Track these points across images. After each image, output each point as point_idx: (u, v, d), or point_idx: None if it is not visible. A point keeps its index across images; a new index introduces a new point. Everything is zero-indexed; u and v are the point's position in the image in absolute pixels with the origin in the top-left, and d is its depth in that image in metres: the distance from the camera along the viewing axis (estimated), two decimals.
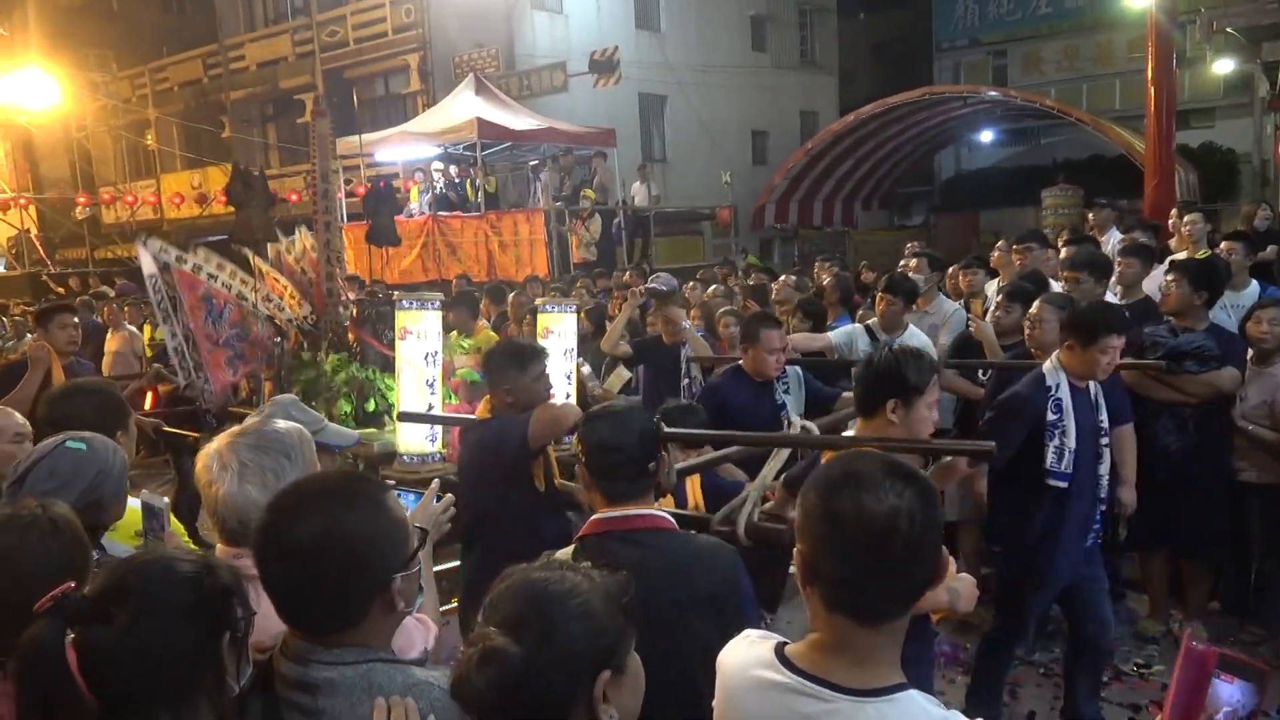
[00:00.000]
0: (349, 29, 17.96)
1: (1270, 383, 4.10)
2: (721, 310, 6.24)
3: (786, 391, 4.25)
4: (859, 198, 22.50)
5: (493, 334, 6.83)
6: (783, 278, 7.02)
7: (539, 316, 4.45)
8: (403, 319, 3.94)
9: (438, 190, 13.68)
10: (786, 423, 3.82)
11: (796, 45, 23.75)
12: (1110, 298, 5.06)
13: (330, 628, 1.36)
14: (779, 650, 1.33)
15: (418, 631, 1.75)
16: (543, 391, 3.14)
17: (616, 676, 1.23)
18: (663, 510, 2.06)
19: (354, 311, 4.76)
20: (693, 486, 3.15)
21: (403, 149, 14.24)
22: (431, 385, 4.06)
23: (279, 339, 4.92)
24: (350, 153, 15.18)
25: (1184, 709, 1.19)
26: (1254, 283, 5.37)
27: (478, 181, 13.45)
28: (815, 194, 21.06)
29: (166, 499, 2.22)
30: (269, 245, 5.38)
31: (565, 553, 2.01)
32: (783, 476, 2.73)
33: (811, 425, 2.90)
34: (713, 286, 7.38)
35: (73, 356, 5.13)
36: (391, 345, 4.39)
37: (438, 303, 4.04)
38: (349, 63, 18.20)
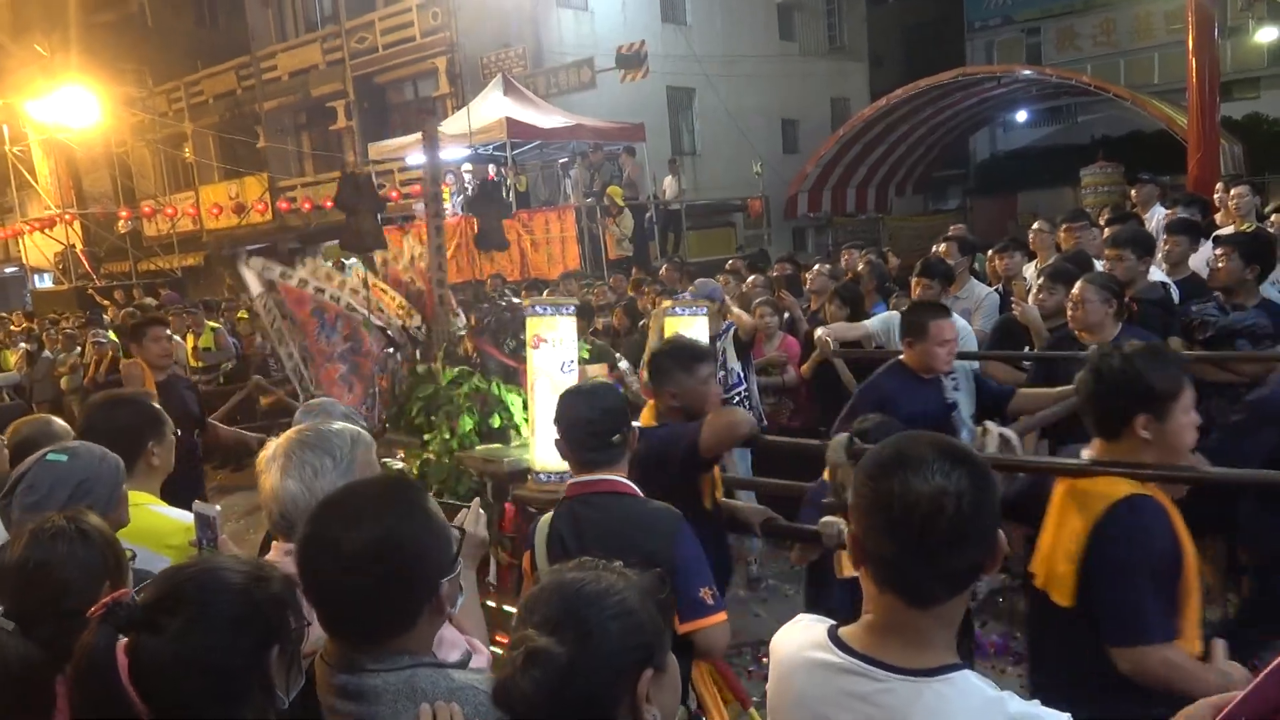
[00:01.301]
0: (377, 35, 18.13)
1: None
2: (758, 301, 6.19)
3: (956, 389, 3.79)
4: (892, 183, 22.23)
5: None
6: (816, 266, 6.95)
7: (667, 320, 4.03)
8: (535, 326, 3.55)
9: (469, 191, 13.78)
10: (962, 426, 3.60)
11: (825, 32, 23.52)
12: (1157, 275, 4.95)
13: (382, 635, 1.36)
14: (832, 632, 1.34)
15: (452, 631, 1.76)
16: (712, 395, 2.91)
17: (658, 676, 1.23)
18: (624, 479, 2.28)
19: (471, 320, 4.38)
20: None
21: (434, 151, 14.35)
22: None
23: (392, 351, 4.63)
24: (383, 156, 15.37)
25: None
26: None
27: (509, 181, 13.52)
28: (848, 181, 20.85)
29: (219, 507, 2.24)
30: (376, 254, 5.29)
31: (549, 513, 2.32)
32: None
33: (1010, 434, 2.61)
34: (751, 277, 7.32)
35: (167, 371, 5.01)
36: (514, 354, 4.14)
37: (572, 308, 3.66)
38: (378, 68, 18.38)
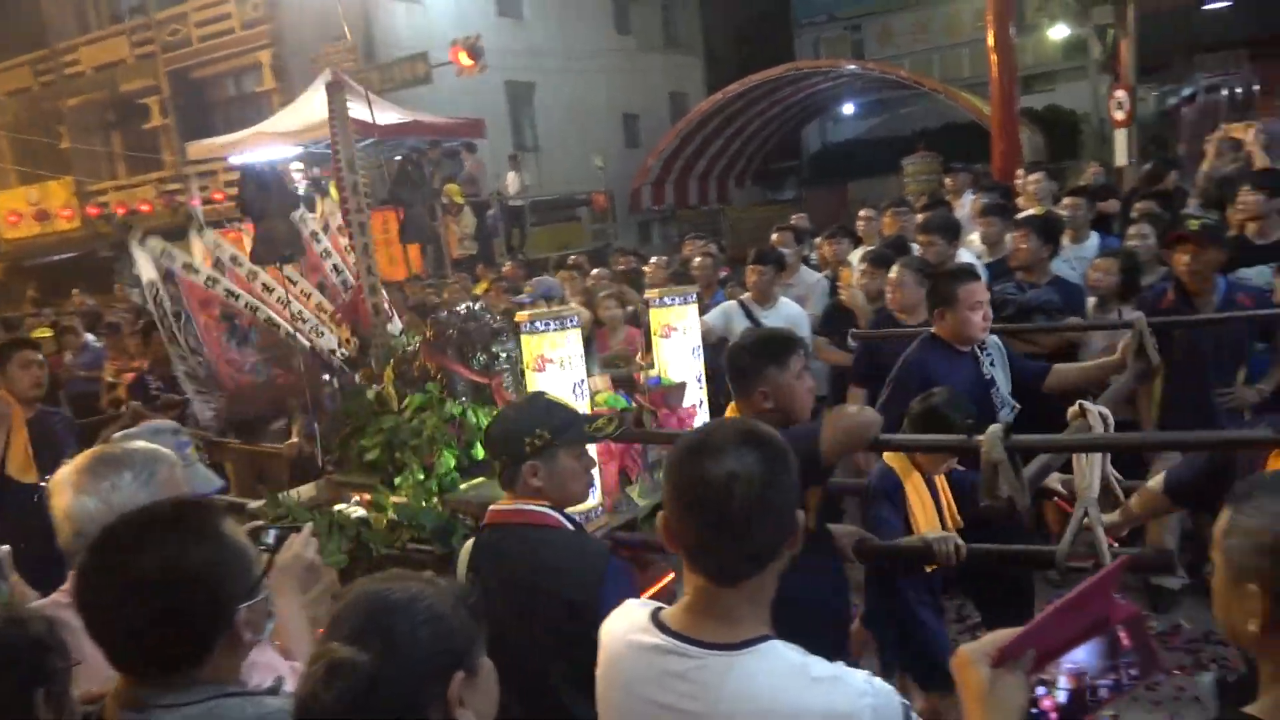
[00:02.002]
0: (191, 27, 17.03)
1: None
2: (602, 294, 6.23)
3: (992, 364, 3.56)
4: (732, 175, 22.87)
5: None
6: (653, 260, 7.06)
7: (653, 311, 3.52)
8: (536, 345, 2.93)
9: (301, 192, 13.17)
10: (1003, 405, 3.39)
11: (660, 27, 23.90)
12: (968, 257, 5.31)
13: (171, 669, 1.28)
14: (654, 615, 1.38)
15: (276, 658, 1.68)
16: (808, 392, 2.51)
17: (470, 679, 1.22)
18: (550, 508, 2.06)
19: (428, 331, 3.57)
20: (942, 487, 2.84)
21: (259, 150, 13.62)
22: None
23: (328, 378, 3.88)
24: (204, 157, 14.46)
25: (1060, 622, 1.20)
26: (1094, 235, 5.71)
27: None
28: (689, 174, 21.29)
29: (7, 546, 2.08)
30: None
31: (469, 545, 2.17)
32: (1164, 480, 2.36)
33: (1106, 411, 2.47)
34: (595, 270, 7.35)
35: (38, 405, 4.22)
36: (484, 371, 3.42)
37: (576, 319, 3.09)
38: (195, 62, 17.27)
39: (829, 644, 1.68)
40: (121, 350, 7.43)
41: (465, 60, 14.17)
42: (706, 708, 1.27)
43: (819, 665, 1.26)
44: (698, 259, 6.30)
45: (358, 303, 4.00)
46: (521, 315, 2.95)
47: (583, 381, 3.00)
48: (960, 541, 2.48)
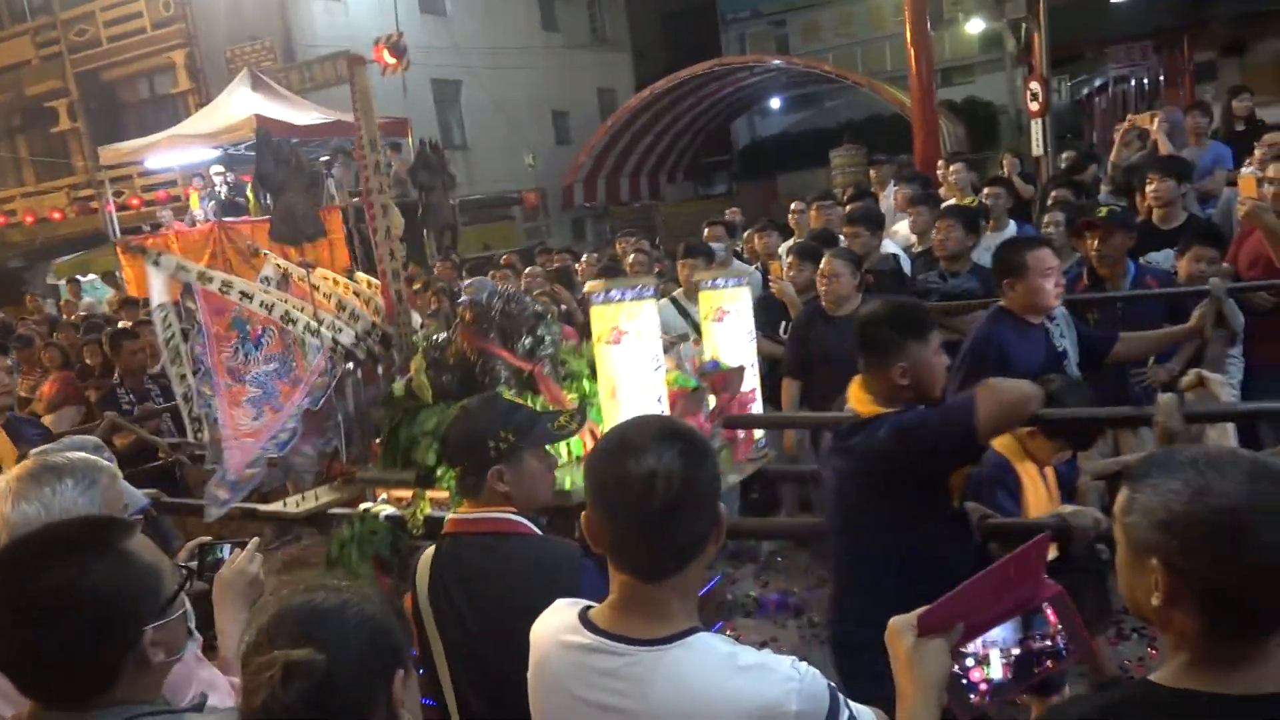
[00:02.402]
0: (100, 26, 16.44)
1: None
2: (535, 292, 6.21)
3: (1062, 335, 3.40)
4: (663, 171, 22.95)
5: None
6: (585, 257, 7.06)
7: (702, 294, 3.34)
8: (610, 316, 2.64)
9: (220, 195, 12.82)
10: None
11: (587, 23, 23.84)
12: (890, 247, 5.43)
13: (79, 694, 1.23)
14: (583, 614, 1.38)
15: (215, 674, 1.65)
16: (944, 370, 2.36)
17: (407, 677, 1.22)
18: (516, 514, 1.97)
19: (466, 314, 3.25)
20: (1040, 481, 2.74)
21: (177, 154, 13.22)
22: (662, 402, 2.83)
23: (351, 367, 3.60)
24: (117, 161, 13.97)
25: (984, 593, 1.24)
26: (1012, 223, 5.88)
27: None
28: (620, 170, 21.30)
29: None
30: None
31: (430, 550, 2.04)
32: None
33: (1220, 378, 2.42)
34: (528, 269, 7.31)
35: (8, 412, 4.38)
36: (529, 356, 3.16)
37: (653, 289, 2.81)
38: (105, 63, 16.68)
39: None
40: (34, 364, 7.13)
41: (388, 59, 13.86)
42: (637, 704, 1.28)
43: (746, 654, 1.28)
44: (631, 256, 6.31)
45: (385, 293, 3.76)
46: (595, 285, 2.69)
47: (659, 356, 2.76)
48: (1100, 514, 2.34)
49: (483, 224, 16.90)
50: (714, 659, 1.27)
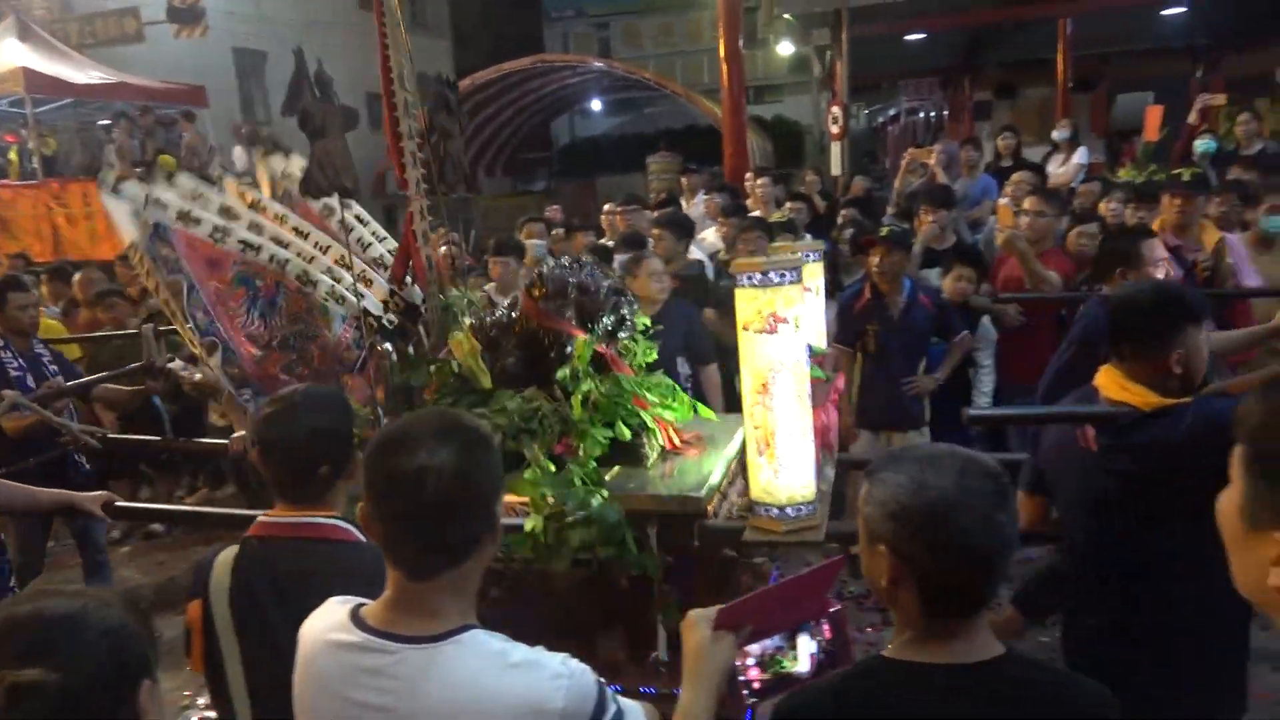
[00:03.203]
0: None
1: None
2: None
3: None
4: (482, 163, 22.59)
5: (56, 324, 5.90)
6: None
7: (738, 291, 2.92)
8: (766, 302, 2.21)
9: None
10: None
11: (408, 6, 23.05)
12: (696, 254, 5.64)
13: None
14: (354, 612, 1.36)
15: None
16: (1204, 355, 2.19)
17: (154, 686, 1.15)
18: (338, 519, 1.85)
19: (536, 289, 2.77)
20: None
21: None
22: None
23: (385, 348, 2.95)
24: None
25: (772, 606, 1.32)
26: (808, 237, 6.26)
27: (30, 144, 11.45)
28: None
29: None
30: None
31: (229, 551, 1.85)
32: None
33: None
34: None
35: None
36: (609, 337, 2.76)
37: (793, 273, 2.33)
38: None
39: None
40: None
41: (183, 21, 12.93)
42: (405, 703, 1.26)
43: (518, 651, 1.29)
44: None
45: (411, 253, 3.06)
46: (744, 263, 2.30)
47: (811, 346, 2.46)
48: None
49: None
50: (484, 656, 1.27)
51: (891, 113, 21.12)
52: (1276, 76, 8.29)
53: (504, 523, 2.31)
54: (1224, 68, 14.44)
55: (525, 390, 2.62)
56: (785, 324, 2.19)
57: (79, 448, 4.01)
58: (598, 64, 20.37)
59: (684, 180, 9.76)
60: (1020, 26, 13.16)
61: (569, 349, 2.66)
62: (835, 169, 10.48)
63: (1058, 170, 8.11)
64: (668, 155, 16.61)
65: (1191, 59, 14.85)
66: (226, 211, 3.00)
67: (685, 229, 5.28)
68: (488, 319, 2.85)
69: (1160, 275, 3.26)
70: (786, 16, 13.08)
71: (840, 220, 6.08)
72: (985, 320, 4.58)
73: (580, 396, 2.54)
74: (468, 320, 2.93)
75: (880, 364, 4.41)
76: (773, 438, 2.23)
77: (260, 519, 1.88)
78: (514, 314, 2.79)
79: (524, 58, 18.52)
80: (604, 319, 2.76)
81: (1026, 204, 4.79)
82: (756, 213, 6.82)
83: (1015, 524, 1.24)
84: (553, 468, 2.44)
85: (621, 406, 2.63)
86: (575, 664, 1.30)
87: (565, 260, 2.87)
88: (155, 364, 4.23)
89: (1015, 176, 6.05)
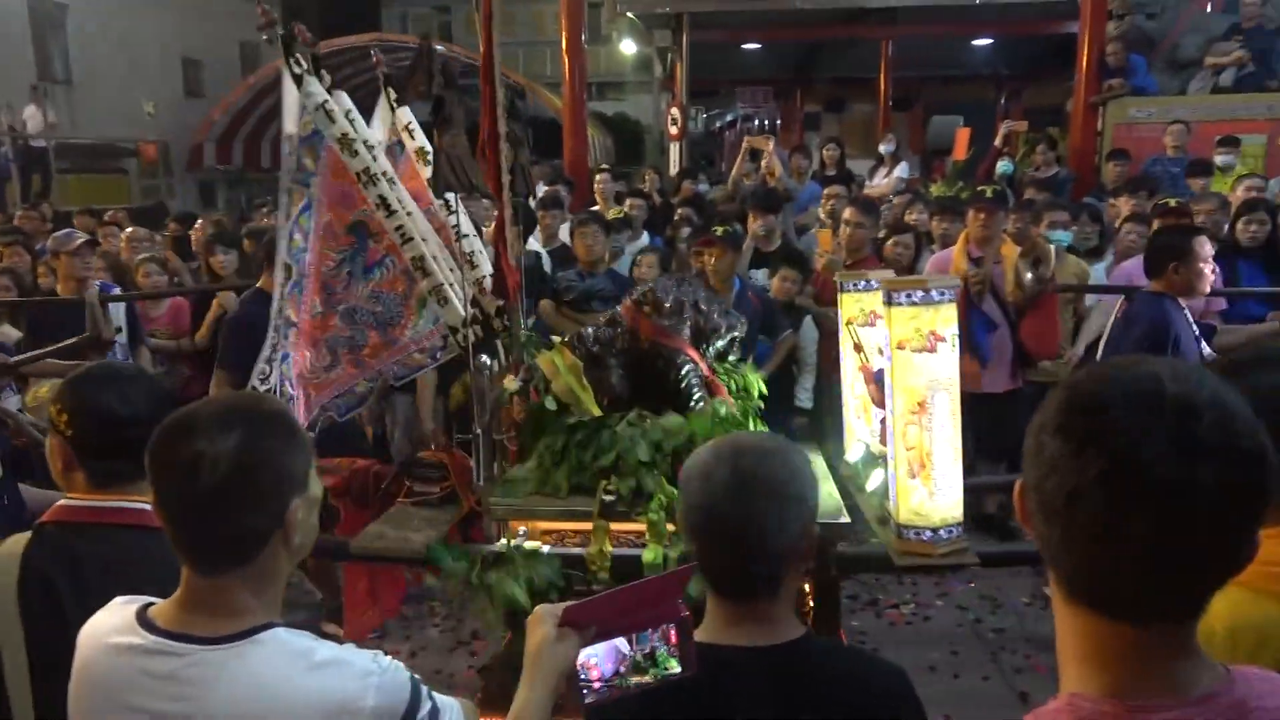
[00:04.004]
0: None
1: None
2: (140, 258, 5.54)
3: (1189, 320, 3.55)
4: None
5: None
6: (199, 222, 6.44)
7: (843, 297, 2.83)
8: (927, 320, 2.12)
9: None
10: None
11: None
12: (532, 245, 5.63)
13: None
14: (141, 613, 1.26)
15: None
16: None
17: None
18: (148, 504, 1.69)
19: (647, 305, 2.59)
20: None
21: None
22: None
23: (484, 359, 2.58)
24: None
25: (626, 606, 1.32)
26: (646, 234, 6.38)
27: None
28: (263, 134, 19.62)
29: None
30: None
31: (17, 540, 1.63)
32: None
33: None
34: (129, 230, 6.45)
35: None
36: (719, 359, 2.62)
37: (952, 291, 2.22)
38: None
39: None
40: None
41: None
42: (198, 708, 1.19)
43: (324, 649, 1.24)
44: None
45: (504, 264, 2.76)
46: (901, 282, 2.24)
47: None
48: None
49: (88, 175, 14.65)
50: (286, 656, 1.22)
51: (728, 118, 21.78)
52: (1067, 107, 9.15)
53: (617, 553, 2.30)
54: (1024, 97, 15.80)
55: (629, 413, 2.49)
56: (944, 342, 2.15)
57: (28, 446, 3.14)
58: (439, 47, 19.83)
59: None
60: (848, 45, 13.89)
61: (685, 368, 2.55)
62: (673, 169, 10.69)
63: (879, 182, 8.63)
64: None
65: (996, 87, 16.16)
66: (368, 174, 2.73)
67: (527, 222, 5.24)
68: (588, 334, 2.69)
69: (1208, 272, 3.42)
70: (630, 15, 13.22)
71: (676, 219, 6.21)
72: (808, 320, 4.80)
73: (706, 423, 2.42)
74: (557, 338, 2.77)
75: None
76: (929, 458, 2.18)
77: (60, 503, 1.68)
78: (617, 329, 2.67)
79: (362, 35, 17.78)
80: (718, 340, 2.70)
81: (845, 215, 5.07)
82: (597, 208, 6.87)
83: (781, 512, 1.29)
84: (676, 494, 2.29)
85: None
86: (387, 660, 1.26)
87: (675, 278, 2.78)
88: (104, 336, 3.75)
89: (829, 190, 6.41)
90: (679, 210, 6.47)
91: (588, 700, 1.28)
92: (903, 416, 2.16)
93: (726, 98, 21.01)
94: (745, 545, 1.28)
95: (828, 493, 2.52)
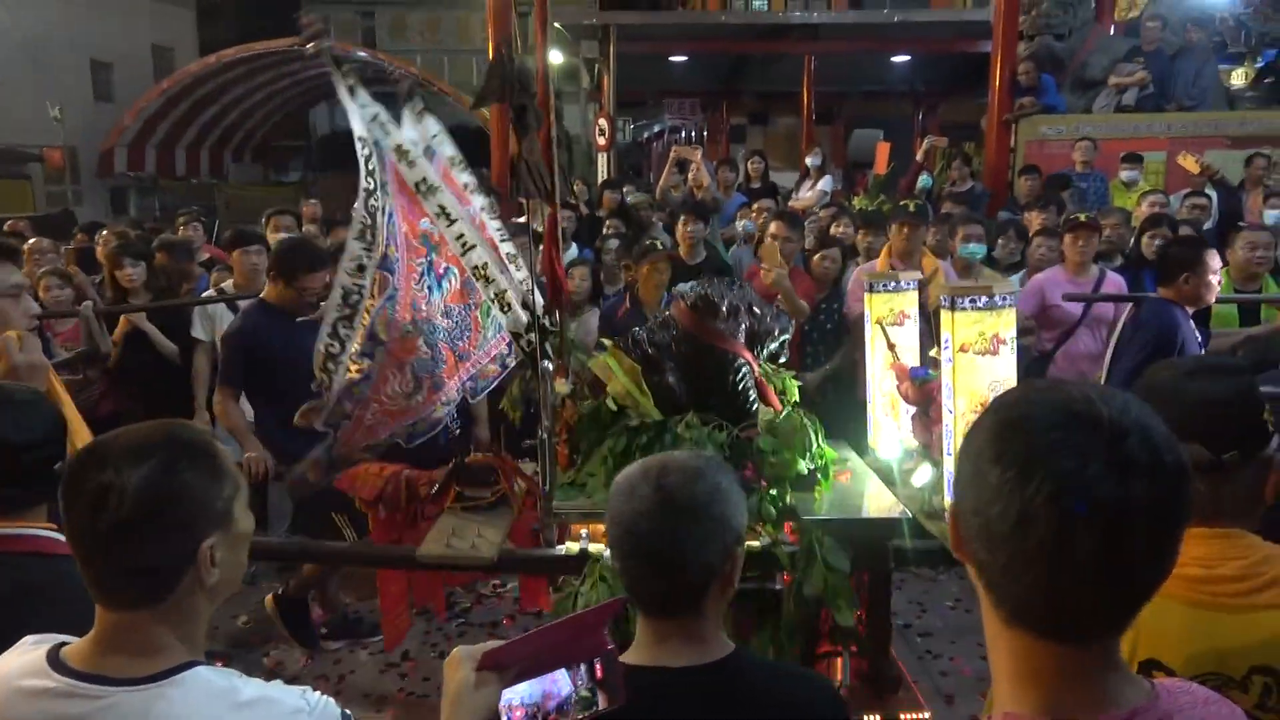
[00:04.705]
0: None
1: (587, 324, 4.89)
2: (42, 271, 5.29)
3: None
4: (229, 148, 20.98)
5: None
6: (104, 232, 6.20)
7: (873, 298, 2.96)
8: (991, 324, 2.24)
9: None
10: None
11: None
12: None
13: None
14: (52, 654, 1.19)
15: None
16: None
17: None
18: (56, 532, 1.62)
19: (707, 302, 2.61)
20: None
21: None
22: None
23: (546, 366, 2.52)
24: None
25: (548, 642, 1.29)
26: (574, 245, 6.36)
27: None
28: (177, 140, 19.04)
29: None
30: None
31: None
32: None
33: None
34: (32, 240, 6.16)
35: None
36: (771, 361, 2.66)
37: (1013, 297, 2.33)
38: None
39: None
40: None
41: None
42: None
43: (249, 688, 1.20)
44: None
45: (553, 266, 2.72)
46: (963, 288, 2.30)
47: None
48: None
49: None
50: (209, 696, 1.17)
51: (656, 129, 21.91)
52: (981, 124, 9.47)
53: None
54: (940, 112, 16.30)
55: (686, 414, 2.50)
56: (1005, 345, 2.26)
57: None
58: (361, 54, 19.51)
59: None
60: (772, 59, 14.13)
61: (742, 371, 2.57)
62: (601, 179, 10.71)
63: (805, 195, 8.79)
64: None
65: (915, 102, 16.63)
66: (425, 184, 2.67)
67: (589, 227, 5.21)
68: (642, 336, 2.68)
69: (1215, 283, 3.61)
70: (557, 25, 13.21)
71: (605, 230, 6.21)
72: None
73: (768, 424, 2.48)
74: (608, 341, 2.78)
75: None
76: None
77: None
78: (672, 332, 2.68)
79: (281, 39, 17.38)
80: (771, 343, 2.73)
81: (772, 229, 5.14)
82: (522, 219, 6.83)
83: (700, 532, 1.30)
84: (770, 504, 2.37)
85: (804, 435, 2.55)
86: (317, 696, 1.23)
87: (725, 281, 2.80)
88: (101, 349, 3.55)
89: (757, 205, 6.50)
90: (608, 221, 6.48)
91: None
92: (964, 416, 2.25)
93: (654, 109, 21.16)
94: (664, 563, 1.29)
95: (878, 491, 2.60)
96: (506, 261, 2.86)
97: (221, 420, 3.94)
